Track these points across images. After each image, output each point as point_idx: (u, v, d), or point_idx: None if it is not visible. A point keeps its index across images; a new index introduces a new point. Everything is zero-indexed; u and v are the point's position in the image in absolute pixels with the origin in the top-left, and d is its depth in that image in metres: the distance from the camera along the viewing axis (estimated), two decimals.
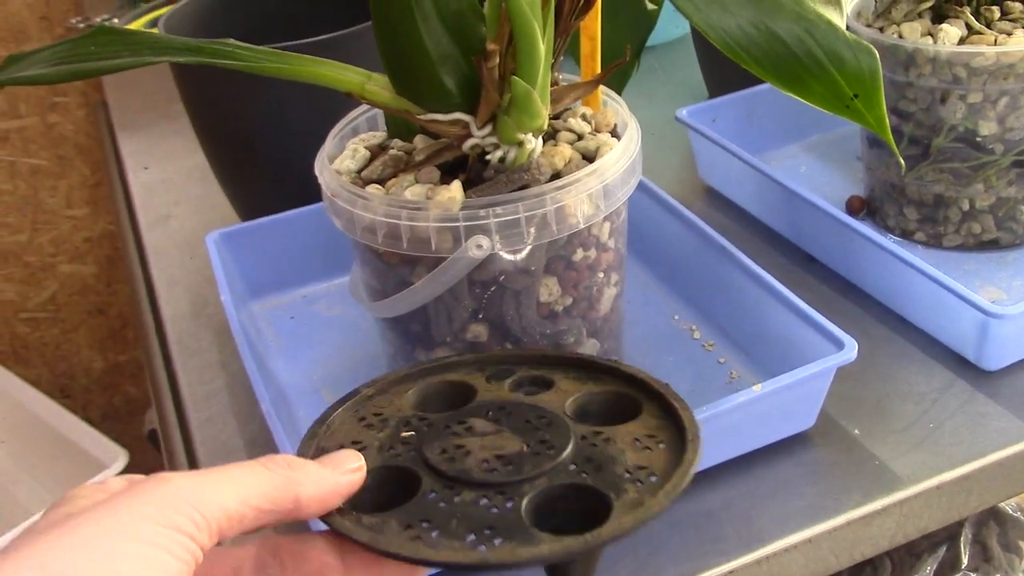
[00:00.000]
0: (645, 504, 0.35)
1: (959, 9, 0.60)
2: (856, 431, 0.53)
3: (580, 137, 0.52)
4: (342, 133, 0.55)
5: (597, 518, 0.35)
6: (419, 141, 0.52)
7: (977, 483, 0.51)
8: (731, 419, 0.49)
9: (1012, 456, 0.51)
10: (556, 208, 0.46)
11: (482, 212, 0.46)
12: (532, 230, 0.47)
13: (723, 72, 0.85)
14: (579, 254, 0.50)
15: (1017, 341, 0.55)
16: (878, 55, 0.29)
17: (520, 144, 0.47)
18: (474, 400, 0.43)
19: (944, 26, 0.59)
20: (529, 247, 0.47)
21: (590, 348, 0.53)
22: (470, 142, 0.48)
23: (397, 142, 0.53)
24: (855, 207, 0.69)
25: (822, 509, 0.49)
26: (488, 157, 0.48)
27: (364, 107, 0.56)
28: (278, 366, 0.62)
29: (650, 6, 0.65)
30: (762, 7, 0.29)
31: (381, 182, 0.50)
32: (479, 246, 0.46)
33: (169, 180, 0.85)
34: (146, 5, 1.14)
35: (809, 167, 0.76)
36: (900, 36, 0.61)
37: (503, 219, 0.46)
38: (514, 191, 0.47)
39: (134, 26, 1.10)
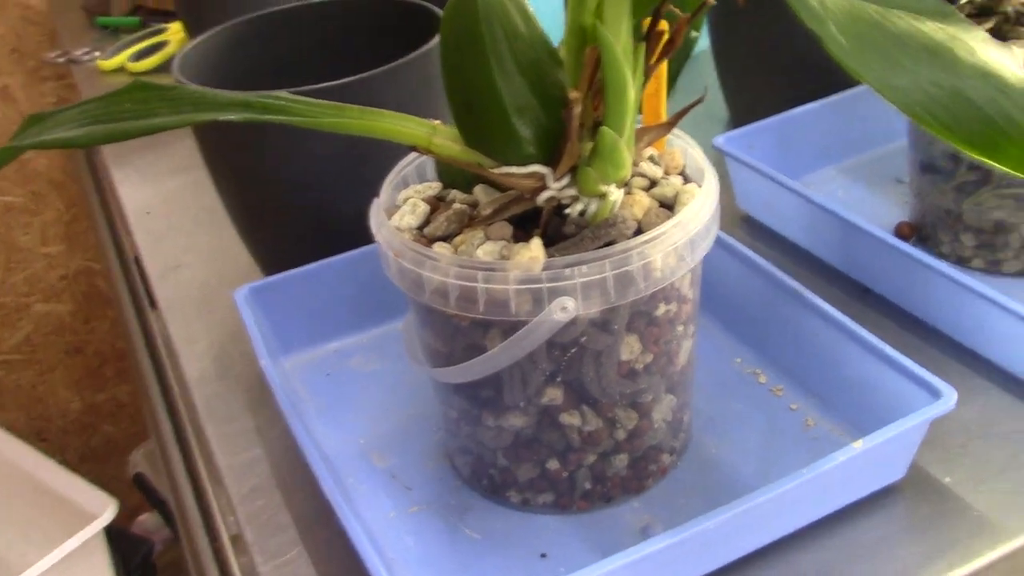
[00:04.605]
0: None
1: (1022, 29, 0.58)
2: (947, 479, 0.51)
3: (653, 183, 0.49)
4: (393, 184, 0.51)
5: None
6: (480, 192, 0.49)
7: None
8: (829, 478, 0.46)
9: None
10: (643, 264, 0.43)
11: (567, 272, 0.43)
12: (618, 289, 0.44)
13: (747, 93, 0.83)
14: (661, 309, 0.47)
15: None
16: None
17: (602, 196, 0.44)
18: None
19: (1012, 47, 0.57)
20: (614, 306, 0.44)
21: (667, 404, 0.50)
22: (546, 194, 0.45)
23: (456, 194, 0.50)
24: (905, 233, 0.67)
25: (925, 569, 0.46)
26: (567, 211, 0.45)
27: (412, 156, 0.52)
28: (319, 429, 0.58)
29: (693, 34, 0.62)
30: (939, 63, 0.27)
31: (446, 239, 0.47)
32: (564, 308, 0.43)
33: (176, 226, 0.81)
34: (128, 37, 1.10)
35: (847, 191, 0.74)
36: None
37: (589, 279, 0.43)
38: (599, 248, 0.44)
39: (118, 59, 1.06)
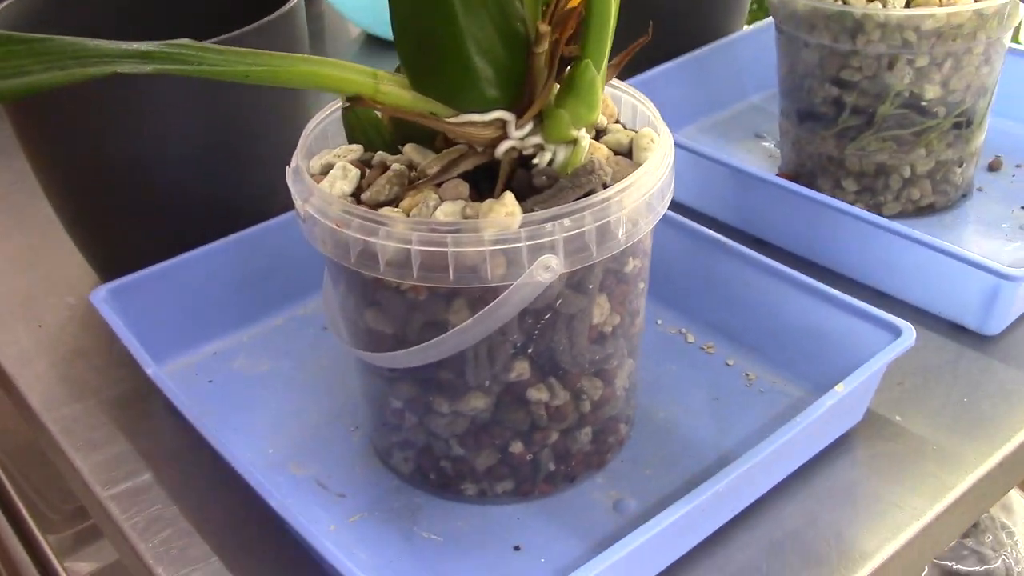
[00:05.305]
0: None
1: None
2: (897, 418, 0.50)
3: (600, 131, 0.45)
4: (304, 150, 0.45)
5: None
6: (412, 152, 0.43)
7: None
8: (815, 426, 0.44)
9: None
10: (621, 215, 0.40)
11: (548, 227, 0.38)
12: (599, 243, 0.40)
13: None
14: (630, 264, 0.43)
15: (1019, 302, 0.54)
16: None
17: (573, 142, 0.40)
18: None
19: None
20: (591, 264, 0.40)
21: (627, 369, 0.47)
22: (506, 145, 0.40)
23: (384, 155, 0.44)
24: None
25: (908, 505, 0.46)
26: (535, 161, 0.40)
27: (319, 118, 0.46)
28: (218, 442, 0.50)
29: None
30: None
31: (389, 204, 0.41)
32: (547, 268, 0.38)
33: None
34: None
35: (712, 148, 0.73)
36: (844, 3, 0.59)
37: (571, 233, 0.39)
38: (579, 198, 0.39)
39: None
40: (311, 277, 0.55)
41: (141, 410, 0.53)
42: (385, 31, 0.96)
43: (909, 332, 0.47)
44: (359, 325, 0.44)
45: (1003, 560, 0.62)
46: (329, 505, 0.47)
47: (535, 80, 0.39)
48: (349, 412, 0.52)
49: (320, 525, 0.45)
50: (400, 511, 0.46)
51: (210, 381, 0.54)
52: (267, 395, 0.53)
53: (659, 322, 0.57)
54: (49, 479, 0.79)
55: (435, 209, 0.40)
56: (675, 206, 0.67)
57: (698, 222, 0.64)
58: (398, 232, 0.39)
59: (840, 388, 0.44)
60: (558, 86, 0.40)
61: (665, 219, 0.56)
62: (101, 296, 0.53)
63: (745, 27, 0.82)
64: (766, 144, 0.73)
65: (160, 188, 0.56)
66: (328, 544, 0.39)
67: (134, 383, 0.55)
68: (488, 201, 0.39)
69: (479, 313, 0.39)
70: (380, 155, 0.44)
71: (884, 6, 0.58)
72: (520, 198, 0.40)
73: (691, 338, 0.55)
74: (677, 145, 0.63)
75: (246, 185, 0.57)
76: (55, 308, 0.62)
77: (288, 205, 0.55)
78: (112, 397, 0.54)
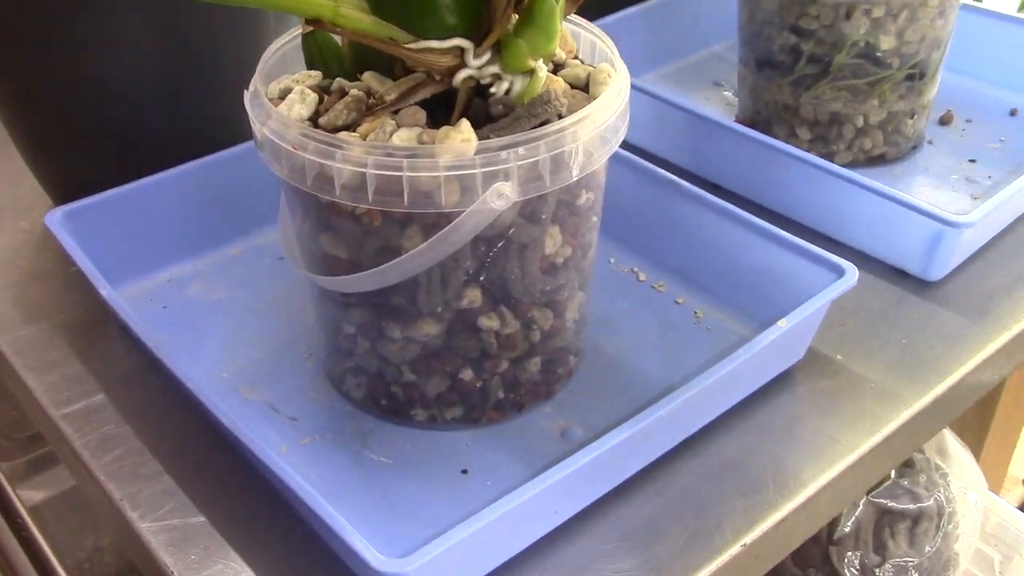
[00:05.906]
0: None
1: None
2: (838, 356, 0.52)
3: (558, 65, 0.45)
4: (263, 75, 0.45)
5: None
6: (371, 79, 0.44)
7: (964, 391, 0.51)
8: (757, 360, 0.46)
9: (986, 360, 0.52)
10: (575, 146, 0.40)
11: (503, 155, 0.39)
12: (552, 173, 0.40)
13: None
14: (583, 197, 0.44)
15: (960, 249, 0.56)
16: None
17: (530, 72, 0.41)
18: None
19: None
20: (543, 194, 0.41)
21: (577, 302, 0.48)
22: (464, 73, 0.40)
23: (343, 82, 0.44)
24: None
25: (844, 438, 0.47)
26: (493, 90, 0.41)
27: (279, 42, 0.46)
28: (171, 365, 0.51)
29: None
30: None
31: (346, 129, 0.41)
32: (501, 195, 0.39)
33: None
34: None
35: (672, 96, 0.74)
36: None
37: (525, 162, 0.39)
38: (535, 128, 0.40)
39: None
40: (269, 207, 0.55)
41: (95, 333, 0.54)
42: None
43: (852, 272, 0.48)
44: (314, 250, 0.44)
45: (935, 499, 0.64)
46: (281, 428, 0.47)
47: (494, 9, 0.39)
48: (303, 340, 0.52)
49: (271, 446, 0.46)
50: (351, 435, 0.47)
51: (164, 307, 0.55)
52: (222, 322, 0.54)
53: (612, 260, 0.58)
54: (1, 406, 0.79)
55: (391, 135, 0.40)
56: (632, 149, 0.68)
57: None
58: (354, 156, 0.39)
59: (783, 323, 0.46)
60: (517, 16, 0.40)
61: (621, 159, 0.57)
62: (56, 219, 0.52)
63: None
64: (725, 93, 0.74)
65: (118, 112, 0.56)
66: (281, 463, 0.40)
67: (87, 307, 0.55)
68: (444, 128, 0.39)
69: (432, 238, 0.40)
70: (339, 81, 0.44)
71: None
72: (476, 126, 0.40)
73: (643, 276, 0.56)
74: (636, 88, 0.64)
75: (205, 110, 0.57)
76: (8, 232, 0.61)
77: (249, 133, 0.55)
78: (66, 321, 0.55)
